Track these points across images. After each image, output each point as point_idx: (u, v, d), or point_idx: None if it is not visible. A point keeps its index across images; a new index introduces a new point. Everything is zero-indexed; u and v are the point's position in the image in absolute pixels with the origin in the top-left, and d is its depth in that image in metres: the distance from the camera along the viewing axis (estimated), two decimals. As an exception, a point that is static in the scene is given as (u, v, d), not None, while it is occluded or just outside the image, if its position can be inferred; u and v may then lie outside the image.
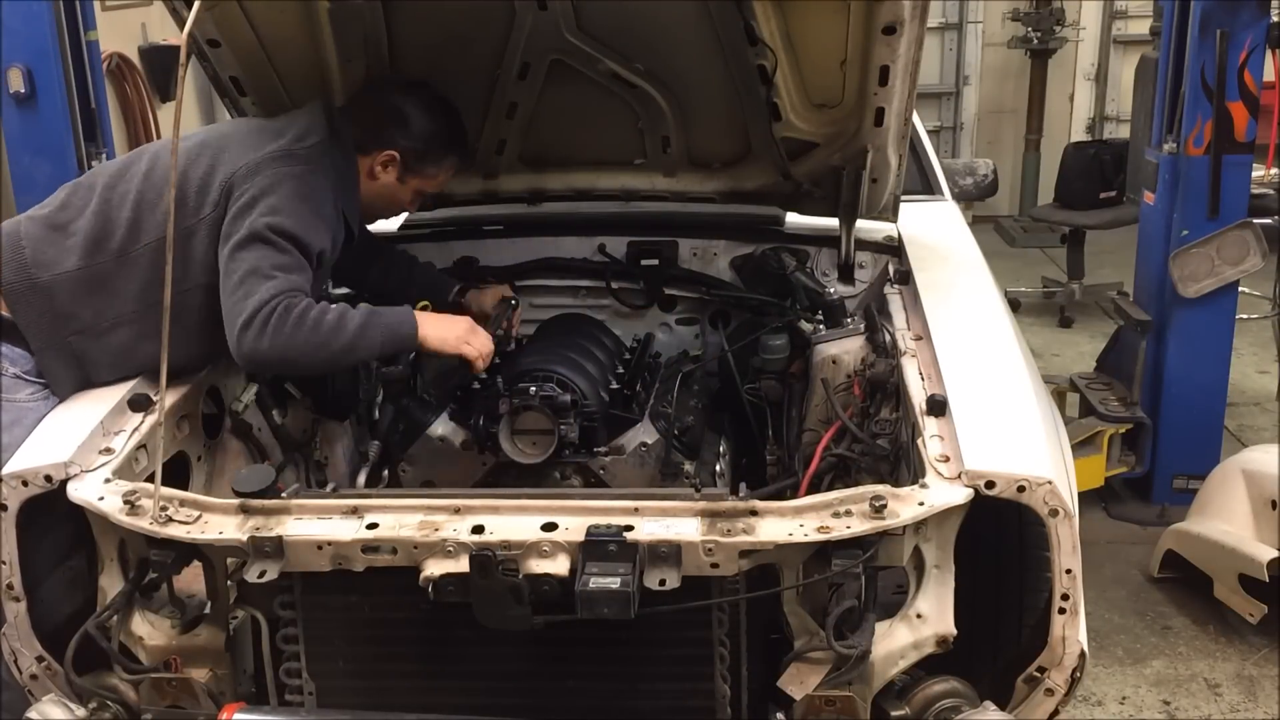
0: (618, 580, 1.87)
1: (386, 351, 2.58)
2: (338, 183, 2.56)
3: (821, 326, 2.91)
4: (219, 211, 2.42)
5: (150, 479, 2.08)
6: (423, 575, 1.94)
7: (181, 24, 2.24)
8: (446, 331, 2.58)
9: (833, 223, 3.18)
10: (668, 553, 1.92)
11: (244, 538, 1.99)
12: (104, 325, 2.44)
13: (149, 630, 2.16)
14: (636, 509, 2.00)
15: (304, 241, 2.40)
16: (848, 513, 1.95)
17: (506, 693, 2.13)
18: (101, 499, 2.10)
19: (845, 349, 2.76)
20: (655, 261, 3.36)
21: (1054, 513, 1.96)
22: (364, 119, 2.66)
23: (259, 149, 2.48)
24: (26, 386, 2.44)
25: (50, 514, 2.18)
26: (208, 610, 2.16)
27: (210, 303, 2.41)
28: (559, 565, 1.93)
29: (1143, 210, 4.51)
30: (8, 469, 2.16)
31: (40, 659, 2.20)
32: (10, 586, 2.16)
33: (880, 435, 2.46)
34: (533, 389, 2.65)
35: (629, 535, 1.93)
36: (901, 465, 2.33)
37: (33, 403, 2.41)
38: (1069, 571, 1.98)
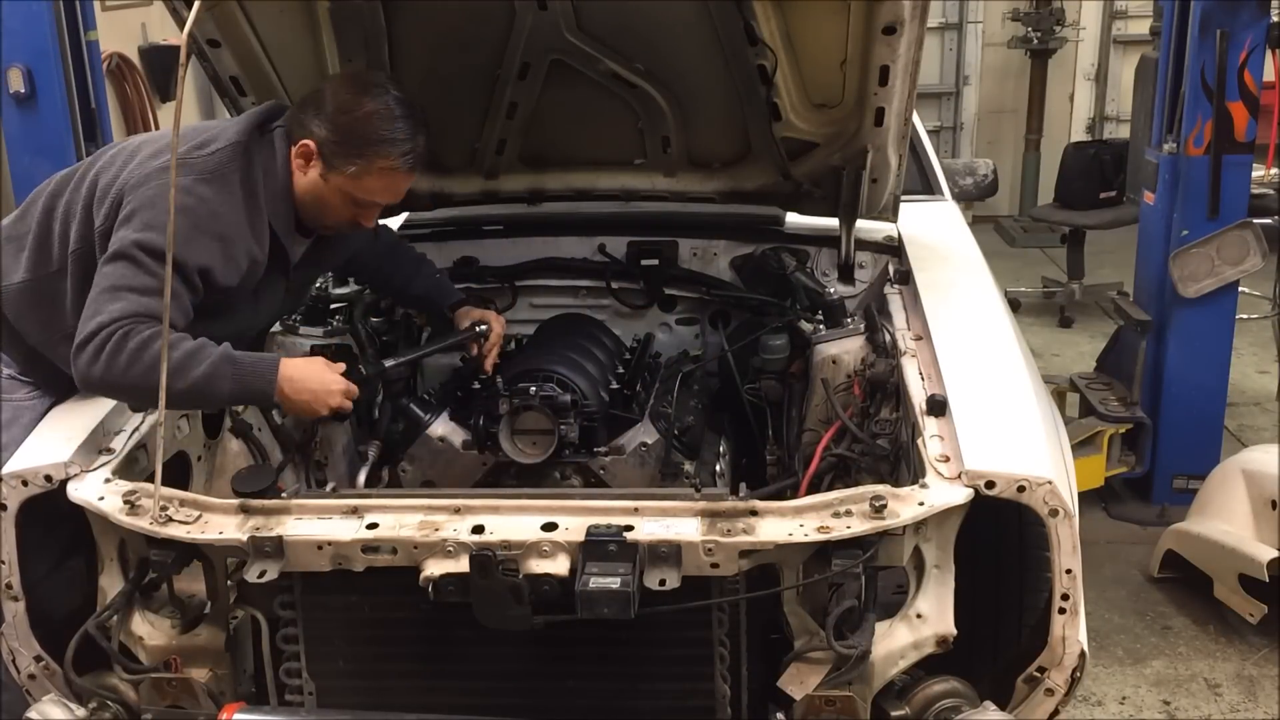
0: (618, 580, 1.87)
1: (237, 403, 2.43)
2: (258, 191, 2.34)
3: (821, 326, 2.91)
4: (109, 223, 2.27)
5: (150, 479, 2.08)
6: (423, 575, 1.94)
7: (181, 24, 2.23)
8: (310, 395, 2.33)
9: (833, 223, 3.18)
10: (668, 553, 1.93)
11: (244, 538, 1.99)
12: (52, 338, 2.37)
13: (149, 630, 2.16)
14: (636, 509, 2.00)
15: (177, 259, 2.13)
16: (848, 513, 1.95)
17: (506, 693, 2.13)
18: (101, 499, 2.10)
19: (845, 349, 2.76)
20: (655, 261, 3.35)
21: (1054, 513, 1.96)
22: (298, 105, 2.42)
23: (156, 157, 2.29)
24: (23, 387, 2.43)
25: (50, 514, 2.18)
26: (208, 610, 2.16)
27: None
28: (559, 565, 1.93)
29: (1143, 210, 4.50)
30: (8, 468, 2.16)
31: (39, 659, 2.20)
32: (9, 586, 2.16)
33: (880, 435, 2.46)
34: (533, 389, 2.65)
35: (629, 535, 1.93)
36: (901, 465, 2.33)
37: (30, 401, 2.41)
38: (1069, 571, 1.98)
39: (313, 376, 2.36)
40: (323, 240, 2.60)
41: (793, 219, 3.32)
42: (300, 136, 2.37)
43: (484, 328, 2.88)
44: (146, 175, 2.27)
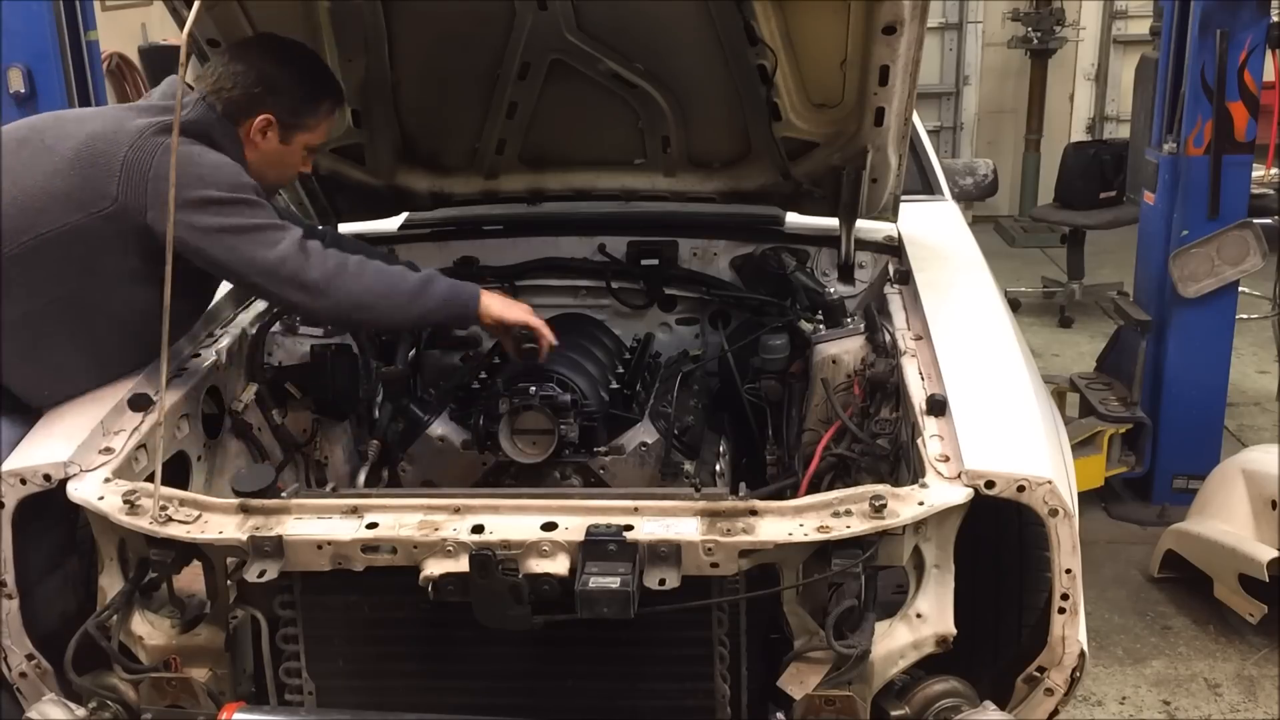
0: (617, 580, 1.87)
1: (446, 314, 2.51)
2: (228, 149, 2.42)
3: (821, 326, 2.92)
4: (120, 204, 2.23)
5: (150, 479, 2.08)
6: (423, 575, 1.94)
7: (181, 24, 2.23)
8: (509, 306, 2.57)
9: (833, 223, 3.19)
10: (667, 552, 1.92)
11: (244, 537, 1.99)
12: None
13: (149, 630, 2.15)
14: (636, 509, 2.00)
15: (258, 188, 2.34)
16: (848, 512, 1.95)
17: (506, 693, 2.13)
18: (101, 498, 2.10)
19: (845, 349, 2.76)
20: (655, 261, 3.36)
21: (1054, 512, 1.96)
22: (224, 88, 2.44)
23: (144, 128, 2.29)
24: None
25: (47, 513, 2.18)
26: (208, 610, 2.16)
27: (115, 310, 2.32)
28: (559, 565, 1.93)
29: (1143, 210, 4.50)
30: (6, 466, 2.16)
31: (30, 657, 2.20)
32: (3, 584, 2.16)
33: (880, 435, 2.46)
34: (533, 389, 2.65)
35: (629, 535, 1.93)
36: (901, 465, 2.33)
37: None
38: (1069, 571, 1.98)
39: (512, 300, 2.63)
40: None
41: (793, 219, 3.32)
42: (252, 113, 2.45)
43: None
44: (147, 142, 2.27)
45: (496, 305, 2.53)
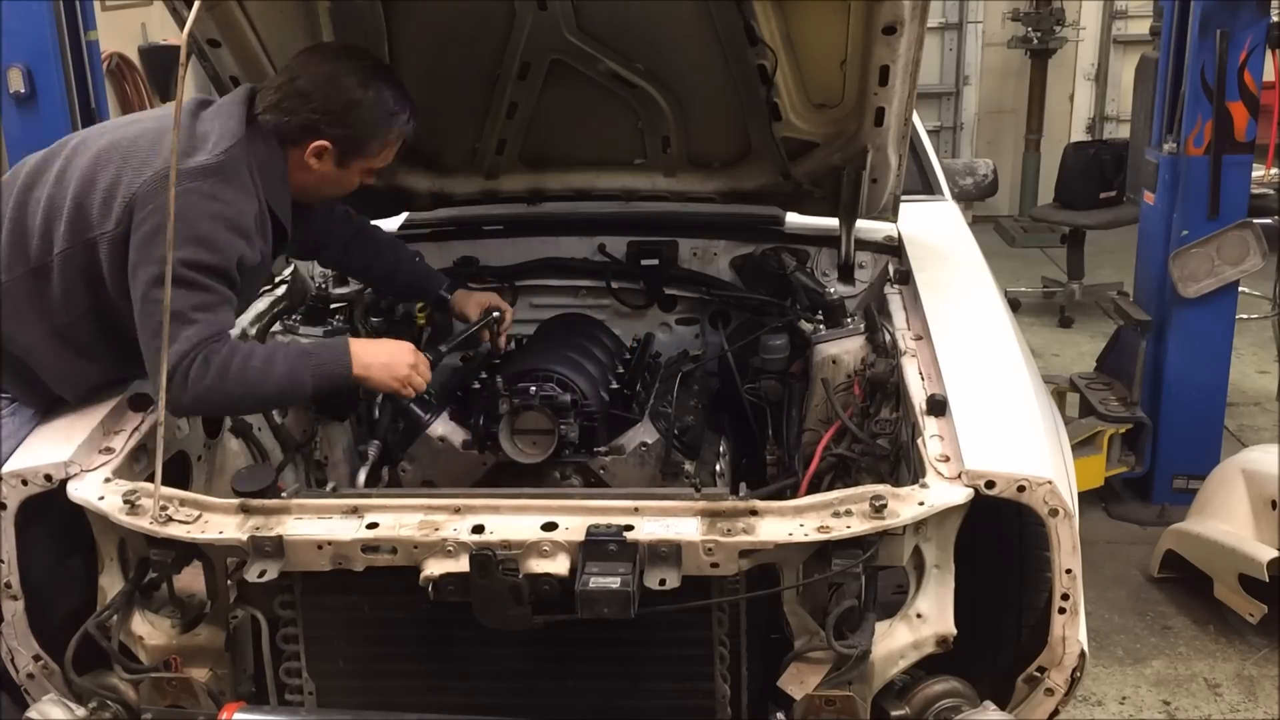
0: (618, 580, 1.87)
1: (321, 393, 2.42)
2: (260, 183, 2.32)
3: (821, 326, 2.92)
4: (122, 229, 2.21)
5: (150, 479, 2.08)
6: (423, 575, 1.94)
7: (181, 24, 2.23)
8: (385, 358, 2.41)
9: (833, 223, 3.19)
10: (668, 552, 1.93)
11: (244, 537, 1.99)
12: (29, 344, 2.30)
13: (149, 630, 2.16)
14: (636, 509, 2.00)
15: (222, 267, 2.20)
16: (848, 513, 1.95)
17: (506, 693, 2.14)
18: (101, 498, 2.10)
19: (845, 349, 2.76)
20: (655, 261, 3.36)
21: (1054, 513, 1.96)
22: (282, 105, 2.35)
23: (162, 164, 2.20)
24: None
25: (49, 513, 2.18)
26: (208, 610, 2.16)
27: (118, 320, 2.27)
28: (559, 565, 1.93)
29: (1143, 210, 4.50)
30: (7, 467, 2.16)
31: (37, 658, 2.20)
32: (8, 585, 2.16)
33: (880, 435, 2.46)
34: (533, 389, 2.65)
35: (629, 535, 1.93)
36: (901, 465, 2.33)
37: (7, 417, 2.34)
38: (1069, 571, 1.98)
39: (380, 347, 2.48)
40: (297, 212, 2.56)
41: (793, 219, 3.32)
42: (308, 138, 2.37)
43: (496, 314, 2.99)
44: (160, 185, 2.18)
45: (373, 365, 2.38)
